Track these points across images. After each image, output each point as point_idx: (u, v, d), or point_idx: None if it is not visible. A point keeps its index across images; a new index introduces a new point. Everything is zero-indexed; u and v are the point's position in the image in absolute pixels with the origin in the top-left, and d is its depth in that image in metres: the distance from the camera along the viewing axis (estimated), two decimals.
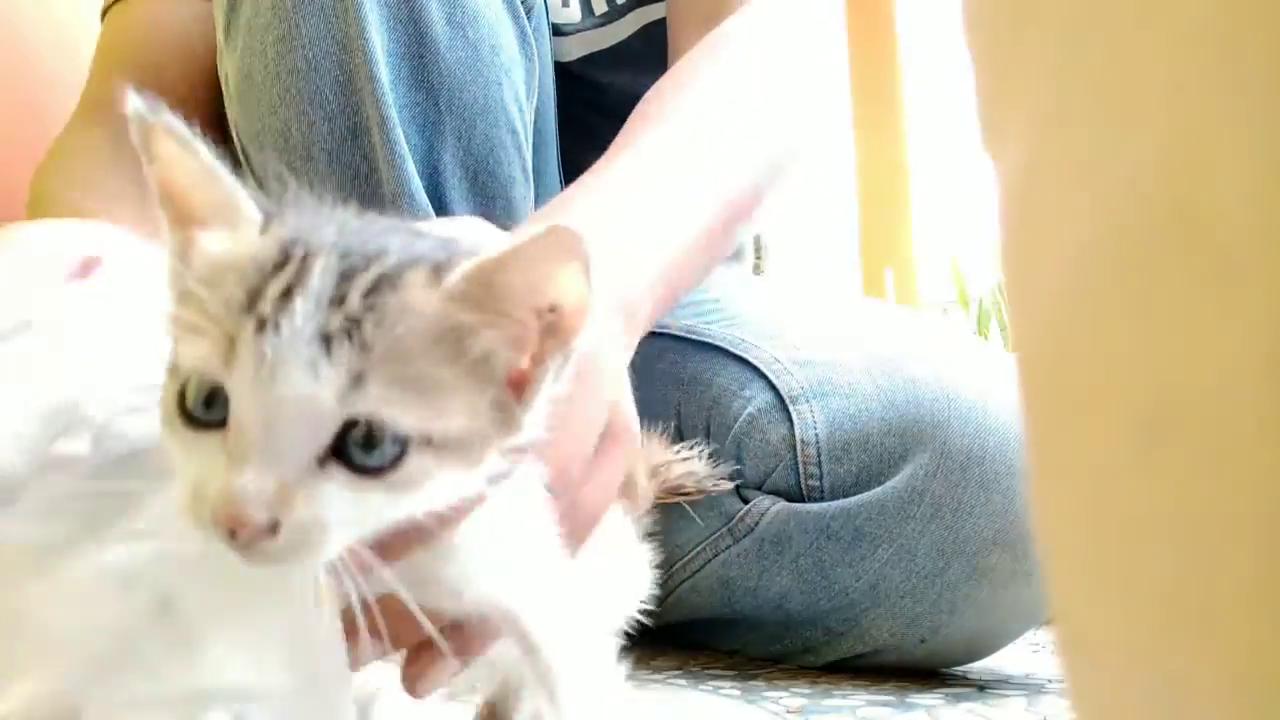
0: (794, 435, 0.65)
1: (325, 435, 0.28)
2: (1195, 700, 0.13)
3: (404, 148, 0.59)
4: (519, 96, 0.67)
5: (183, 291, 0.30)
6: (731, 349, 0.73)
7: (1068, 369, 0.15)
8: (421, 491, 0.30)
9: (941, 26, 2.55)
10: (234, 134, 0.68)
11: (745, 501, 0.67)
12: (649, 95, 0.61)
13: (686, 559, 0.70)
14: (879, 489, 0.62)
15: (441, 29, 0.62)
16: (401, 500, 0.30)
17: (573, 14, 0.82)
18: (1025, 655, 0.85)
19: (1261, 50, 0.12)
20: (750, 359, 0.71)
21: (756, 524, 0.66)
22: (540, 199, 0.69)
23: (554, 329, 0.30)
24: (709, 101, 0.59)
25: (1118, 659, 0.14)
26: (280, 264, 0.29)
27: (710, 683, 0.60)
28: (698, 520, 0.69)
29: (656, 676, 0.62)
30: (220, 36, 0.65)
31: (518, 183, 0.65)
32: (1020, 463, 0.61)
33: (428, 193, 0.59)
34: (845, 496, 0.64)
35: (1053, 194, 0.15)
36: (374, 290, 0.29)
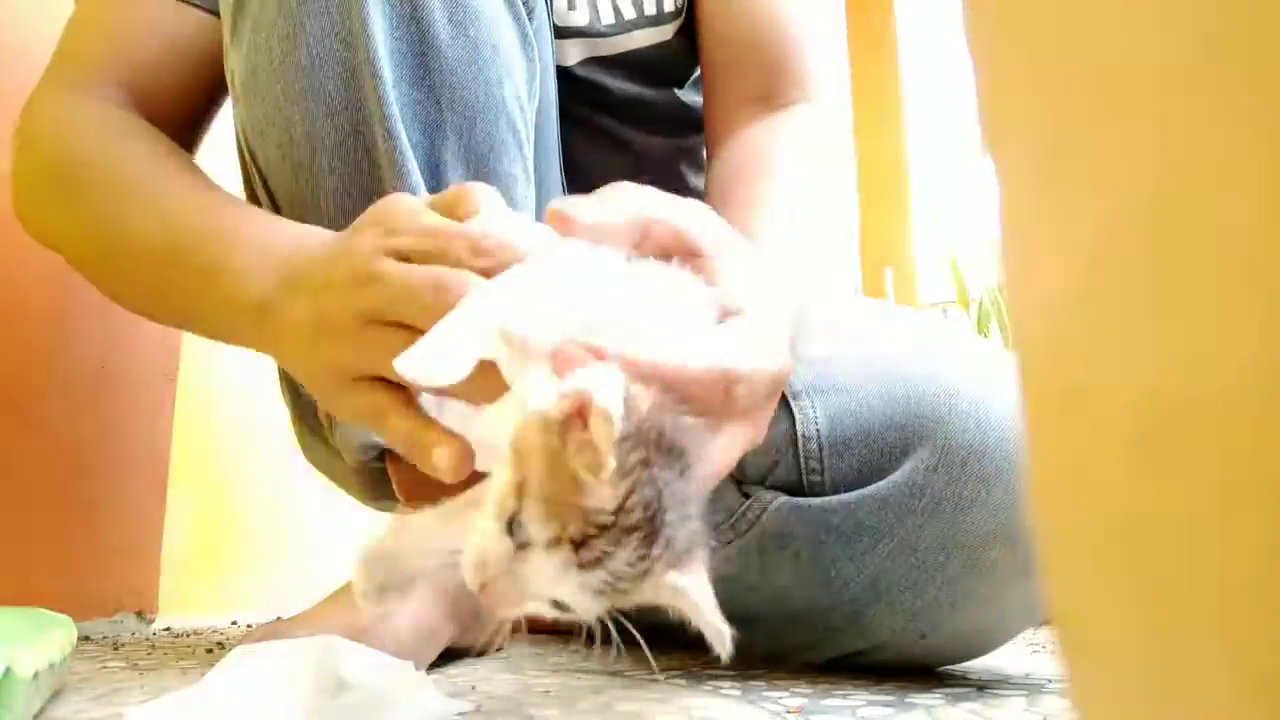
0: (795, 430, 0.65)
1: None
2: (1196, 700, 0.13)
3: (406, 145, 0.59)
4: (520, 96, 0.67)
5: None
6: None
7: (1067, 368, 0.15)
8: None
9: (941, 27, 2.55)
10: (238, 131, 0.69)
11: (746, 496, 0.67)
12: (744, 172, 0.73)
13: None
14: (880, 484, 0.62)
15: (443, 28, 0.62)
16: None
17: (579, 17, 0.83)
18: (1025, 655, 0.85)
19: (1261, 50, 0.12)
20: None
21: (758, 518, 0.66)
22: (541, 199, 0.69)
23: None
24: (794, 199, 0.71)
25: (1118, 659, 0.14)
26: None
27: (710, 682, 0.60)
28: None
29: (656, 676, 0.62)
30: (226, 36, 0.66)
31: (519, 181, 0.65)
32: (1020, 459, 0.61)
33: (429, 189, 0.60)
34: (846, 491, 0.64)
35: (1052, 193, 0.15)
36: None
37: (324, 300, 0.49)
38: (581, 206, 0.48)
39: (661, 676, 0.62)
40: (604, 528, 0.36)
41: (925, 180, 2.57)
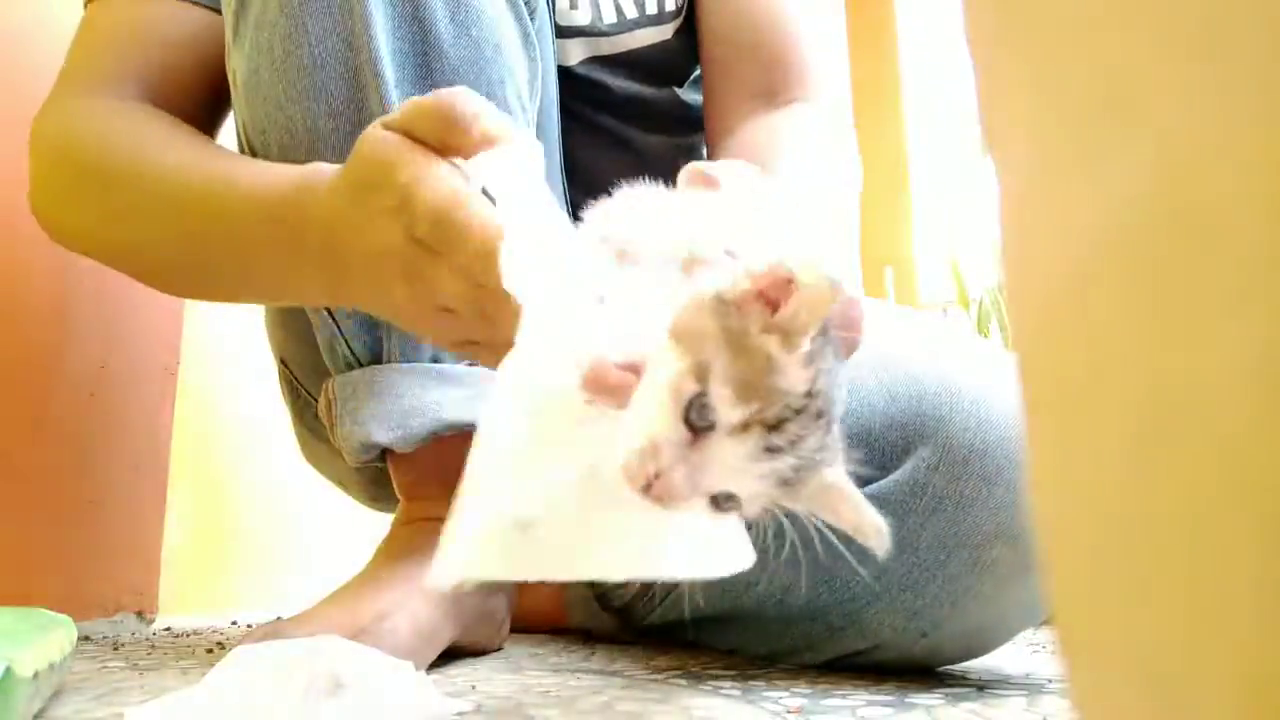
0: None
1: None
2: (1196, 701, 0.13)
3: None
4: (521, 95, 0.67)
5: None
6: None
7: (1067, 368, 0.15)
8: None
9: (941, 27, 2.55)
10: (240, 131, 0.69)
11: None
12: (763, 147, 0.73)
13: None
14: (881, 483, 0.62)
15: (445, 27, 0.62)
16: None
17: (581, 16, 0.83)
18: (1025, 655, 0.85)
19: (1261, 49, 0.12)
20: None
21: (757, 518, 0.66)
22: None
23: None
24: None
25: (1118, 659, 0.14)
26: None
27: (710, 683, 0.60)
28: None
29: (656, 676, 0.62)
30: (229, 36, 0.66)
31: None
32: (1021, 458, 0.61)
33: None
34: None
35: (1052, 193, 0.15)
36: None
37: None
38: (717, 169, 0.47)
39: (661, 676, 0.62)
40: (797, 411, 0.34)
41: (925, 180, 2.57)
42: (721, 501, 0.36)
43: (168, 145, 0.65)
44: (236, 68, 0.66)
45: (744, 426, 0.34)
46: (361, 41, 0.60)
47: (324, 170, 0.54)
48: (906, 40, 2.66)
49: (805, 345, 0.34)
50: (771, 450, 0.34)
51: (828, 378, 0.36)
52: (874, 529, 0.39)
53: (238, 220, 0.58)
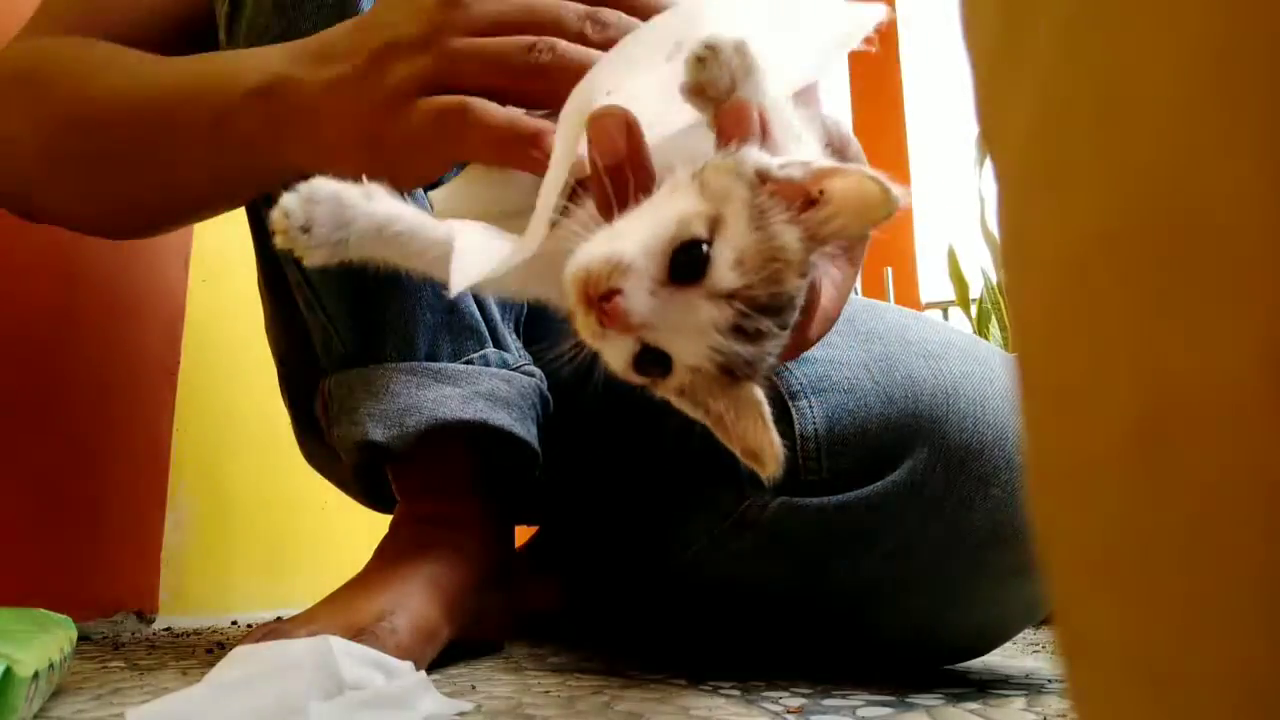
0: (793, 431, 0.65)
1: None
2: (1196, 701, 0.13)
3: None
4: None
5: None
6: None
7: (1067, 368, 0.15)
8: None
9: (941, 26, 2.55)
10: None
11: (745, 497, 0.67)
12: None
13: (687, 555, 0.70)
14: (878, 484, 0.62)
15: None
16: None
17: None
18: (1025, 655, 0.85)
19: (1261, 49, 0.12)
20: None
21: (757, 519, 0.66)
22: None
23: None
24: None
25: (1118, 660, 0.14)
26: None
27: (710, 682, 0.60)
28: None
29: (656, 676, 0.62)
30: (222, 36, 0.66)
31: None
32: (1019, 458, 0.61)
33: (425, 186, 0.60)
34: (845, 491, 0.64)
35: (1052, 193, 0.15)
36: None
37: (387, 34, 0.49)
38: None
39: (661, 676, 0.62)
40: (777, 310, 0.33)
41: (925, 180, 2.57)
42: (643, 365, 0.34)
43: (122, 54, 0.64)
44: None
45: (729, 296, 0.32)
46: None
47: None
48: (906, 40, 2.66)
49: (810, 260, 0.33)
50: (738, 332, 0.33)
51: (804, 296, 0.35)
52: (774, 454, 0.37)
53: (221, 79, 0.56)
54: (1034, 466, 0.16)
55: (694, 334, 0.32)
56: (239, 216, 0.78)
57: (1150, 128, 0.13)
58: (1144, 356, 0.13)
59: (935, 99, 2.60)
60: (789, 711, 0.50)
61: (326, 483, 0.90)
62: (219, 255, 1.15)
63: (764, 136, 0.35)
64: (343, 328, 0.67)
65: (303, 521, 1.29)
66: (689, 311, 0.32)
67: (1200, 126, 0.12)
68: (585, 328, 0.33)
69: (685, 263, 0.32)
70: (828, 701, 0.54)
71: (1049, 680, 0.65)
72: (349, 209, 0.40)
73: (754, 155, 0.34)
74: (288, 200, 0.40)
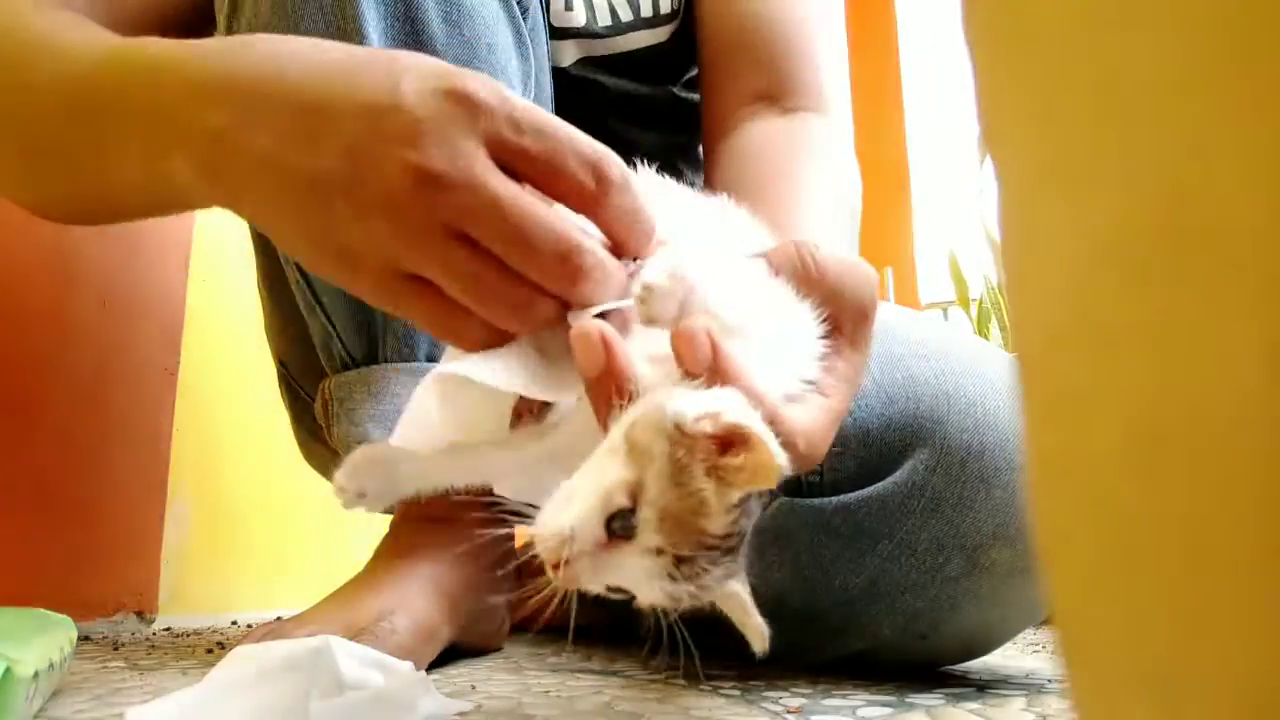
0: None
1: None
2: (1195, 701, 0.13)
3: None
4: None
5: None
6: None
7: (1068, 369, 0.15)
8: None
9: (941, 26, 2.55)
10: None
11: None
12: (758, 175, 0.73)
13: None
14: (879, 484, 0.62)
15: (438, 27, 0.62)
16: None
17: (577, 17, 0.83)
18: (1025, 655, 0.85)
19: (1262, 48, 0.12)
20: None
21: (757, 519, 0.66)
22: None
23: None
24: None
25: (1118, 659, 0.14)
26: None
27: (710, 682, 0.60)
28: None
29: (656, 676, 0.62)
30: (222, 35, 0.66)
31: None
32: (1019, 459, 0.61)
33: None
34: (845, 492, 0.64)
35: (1053, 193, 0.15)
36: None
37: (364, 165, 0.40)
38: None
39: (661, 676, 0.62)
40: (710, 549, 0.37)
41: (925, 180, 2.58)
42: (616, 590, 0.39)
43: (81, 27, 0.58)
44: None
45: (657, 551, 0.37)
46: (354, 41, 0.60)
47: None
48: (906, 40, 2.66)
49: (738, 498, 0.37)
50: (674, 578, 0.37)
51: (748, 519, 0.39)
52: (758, 633, 0.42)
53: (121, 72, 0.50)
54: (1035, 467, 0.16)
55: (639, 580, 0.38)
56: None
57: (1151, 128, 0.13)
58: (1144, 357, 0.13)
59: (935, 99, 2.60)
60: (789, 711, 0.50)
61: (326, 483, 0.90)
62: (219, 255, 1.15)
63: (715, 354, 0.38)
64: (343, 329, 0.67)
65: (303, 521, 1.29)
66: (629, 565, 0.37)
67: (1201, 127, 0.12)
68: (555, 580, 0.38)
69: (619, 528, 0.37)
70: (828, 701, 0.54)
71: (1049, 680, 0.65)
72: (397, 473, 0.47)
73: (672, 409, 0.37)
74: (340, 477, 0.47)
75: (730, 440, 0.36)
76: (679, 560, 0.37)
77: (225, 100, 0.45)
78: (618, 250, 0.43)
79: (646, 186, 0.45)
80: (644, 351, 0.41)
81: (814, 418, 0.44)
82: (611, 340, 0.39)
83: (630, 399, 0.39)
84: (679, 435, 0.36)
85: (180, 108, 0.46)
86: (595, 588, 0.39)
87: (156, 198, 0.53)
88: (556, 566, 0.37)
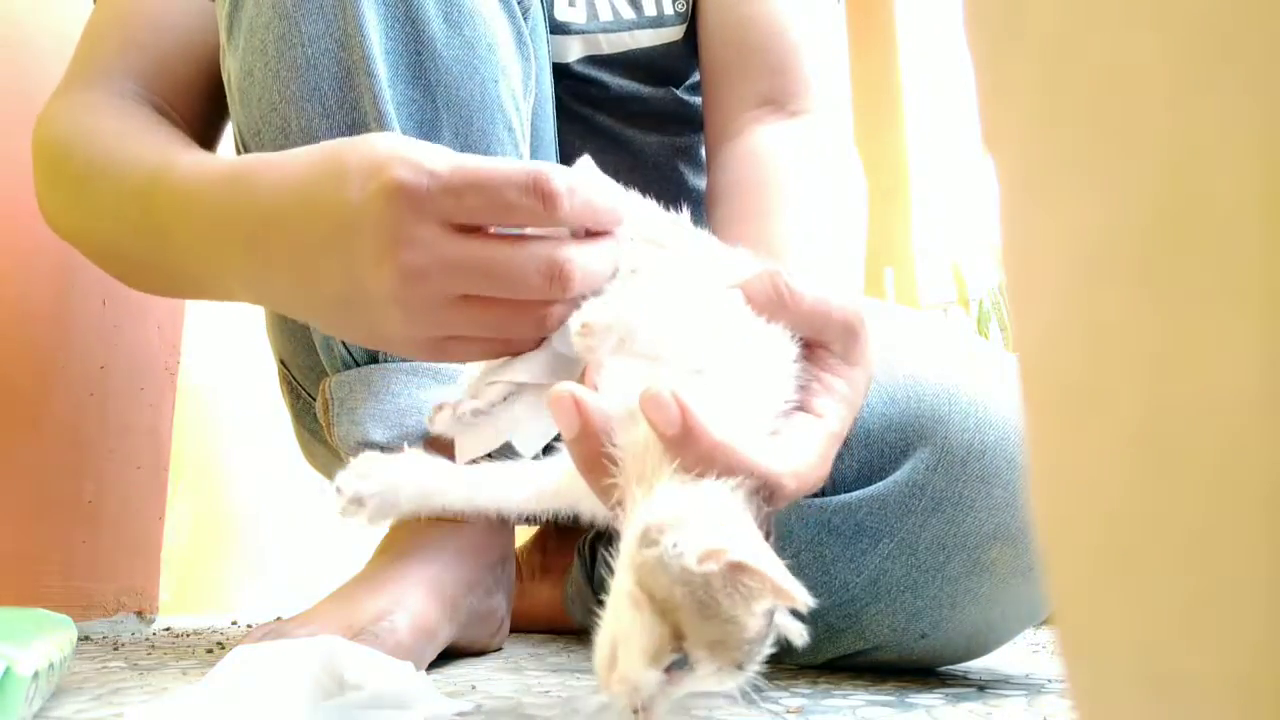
0: None
1: None
2: (1196, 701, 0.13)
3: None
4: (515, 94, 0.67)
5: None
6: None
7: (1069, 368, 0.15)
8: None
9: (941, 27, 2.55)
10: (235, 133, 0.69)
11: None
12: (759, 182, 0.74)
13: None
14: (880, 484, 0.62)
15: (438, 27, 0.62)
16: None
17: (578, 15, 0.83)
18: (1025, 655, 0.85)
19: (1263, 48, 0.12)
20: None
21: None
22: None
23: None
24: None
25: (1118, 660, 0.14)
26: None
27: None
28: None
29: None
30: (223, 37, 0.66)
31: None
32: (1021, 458, 0.61)
33: None
34: (846, 491, 0.64)
35: (1053, 193, 0.15)
36: None
37: (364, 284, 0.47)
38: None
39: None
40: (755, 640, 0.40)
41: (925, 180, 2.58)
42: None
43: (137, 138, 0.66)
44: (231, 70, 0.66)
45: (717, 669, 0.39)
46: (355, 42, 0.60)
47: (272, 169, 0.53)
48: (906, 40, 2.66)
49: (764, 607, 0.39)
50: (739, 669, 0.40)
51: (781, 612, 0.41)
52: (795, 630, 0.44)
53: (171, 212, 0.58)
54: (1036, 466, 0.16)
55: (714, 688, 0.40)
56: None
57: (1150, 129, 0.13)
58: (1145, 356, 0.13)
59: (935, 98, 2.60)
60: (789, 711, 0.50)
61: (326, 483, 0.90)
62: None
63: (683, 414, 0.39)
64: None
65: (302, 522, 1.29)
66: (699, 684, 0.40)
67: (1200, 126, 0.12)
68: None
69: (676, 665, 0.39)
70: (828, 701, 0.54)
71: (1049, 680, 0.65)
72: (398, 493, 0.48)
73: (672, 557, 0.38)
74: (341, 480, 0.48)
75: (740, 566, 0.38)
76: (739, 665, 0.40)
77: (237, 250, 0.54)
78: (596, 235, 0.47)
79: (627, 205, 0.47)
80: (623, 404, 0.41)
81: (804, 446, 0.44)
82: (584, 401, 0.41)
83: (618, 466, 0.41)
84: (689, 575, 0.38)
85: (210, 252, 0.56)
86: (680, 712, 0.42)
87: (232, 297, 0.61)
88: (635, 711, 0.39)
